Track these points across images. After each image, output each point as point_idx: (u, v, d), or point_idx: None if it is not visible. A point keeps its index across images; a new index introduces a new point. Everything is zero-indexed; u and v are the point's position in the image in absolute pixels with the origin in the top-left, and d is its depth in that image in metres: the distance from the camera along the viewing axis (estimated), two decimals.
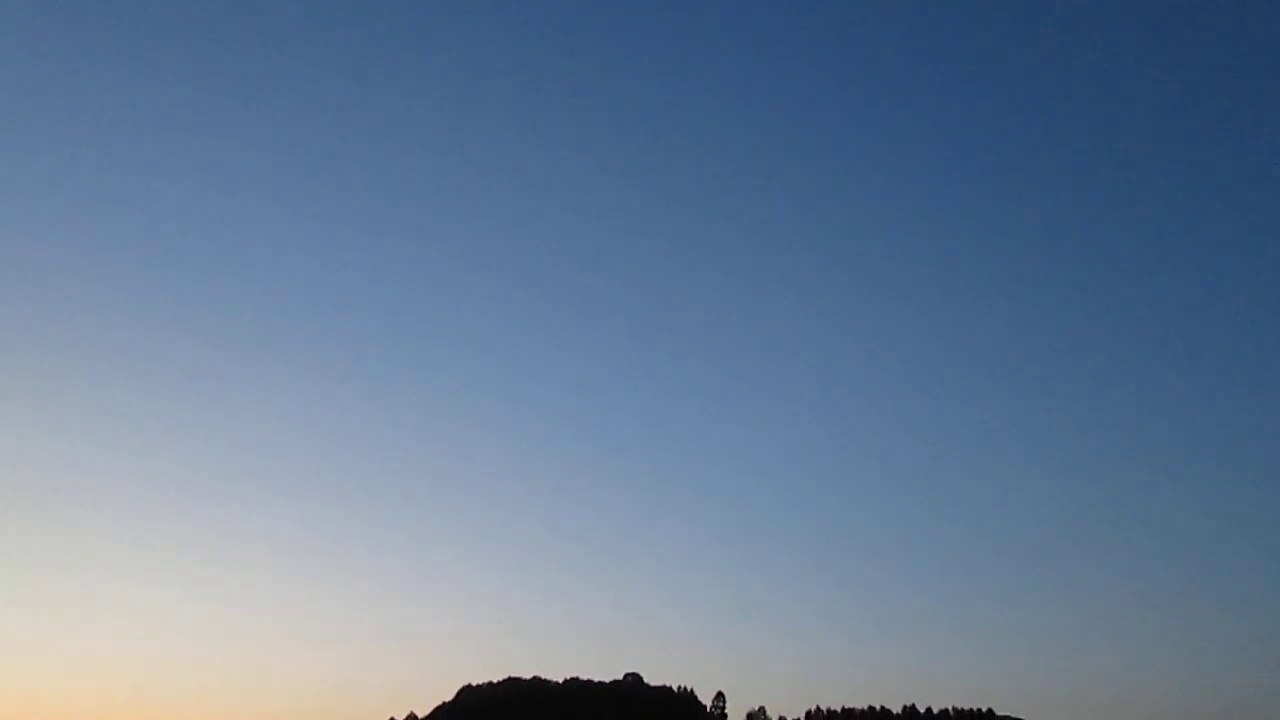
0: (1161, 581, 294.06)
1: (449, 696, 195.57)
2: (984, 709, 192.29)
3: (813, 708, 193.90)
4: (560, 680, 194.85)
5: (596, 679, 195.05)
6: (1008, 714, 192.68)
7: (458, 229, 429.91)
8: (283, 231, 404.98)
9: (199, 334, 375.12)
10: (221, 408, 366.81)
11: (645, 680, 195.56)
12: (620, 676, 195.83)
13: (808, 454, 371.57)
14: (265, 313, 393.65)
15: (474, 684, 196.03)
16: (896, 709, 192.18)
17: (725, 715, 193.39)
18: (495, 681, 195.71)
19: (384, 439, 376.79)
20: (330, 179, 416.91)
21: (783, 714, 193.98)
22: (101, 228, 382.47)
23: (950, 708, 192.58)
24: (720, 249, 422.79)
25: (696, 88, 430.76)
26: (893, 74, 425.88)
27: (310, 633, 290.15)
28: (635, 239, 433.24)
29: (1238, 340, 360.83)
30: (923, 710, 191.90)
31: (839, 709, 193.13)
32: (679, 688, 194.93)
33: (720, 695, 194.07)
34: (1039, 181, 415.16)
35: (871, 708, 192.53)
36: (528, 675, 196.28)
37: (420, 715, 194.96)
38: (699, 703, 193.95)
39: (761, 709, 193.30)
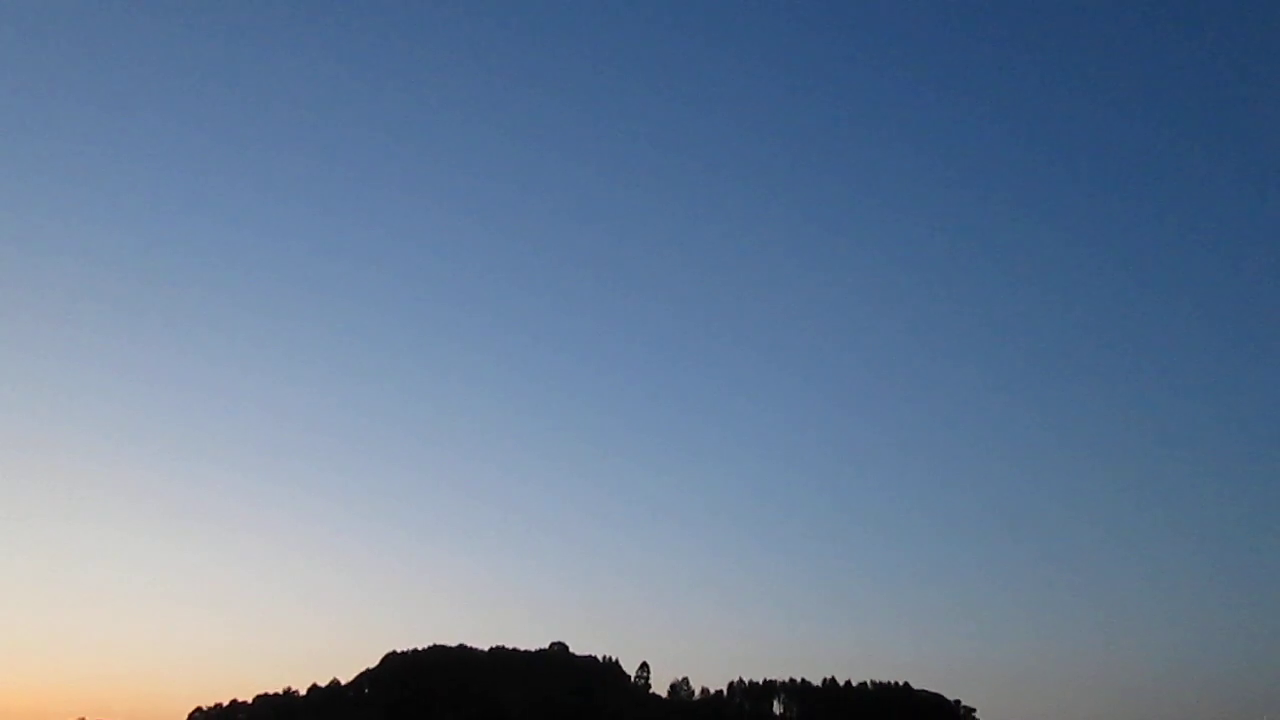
0: (1076, 560, 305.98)
1: (373, 663, 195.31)
2: (901, 683, 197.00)
3: (735, 679, 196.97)
4: (486, 648, 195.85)
5: (523, 648, 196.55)
6: (925, 688, 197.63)
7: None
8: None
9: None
10: (142, 370, 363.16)
11: (571, 650, 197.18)
12: (546, 645, 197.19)
13: (734, 431, 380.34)
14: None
15: (399, 651, 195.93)
16: (816, 681, 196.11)
17: (649, 685, 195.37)
18: (421, 649, 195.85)
19: (310, 405, 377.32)
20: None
21: (705, 685, 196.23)
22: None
23: (869, 681, 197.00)
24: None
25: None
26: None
27: (235, 598, 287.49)
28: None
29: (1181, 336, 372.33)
30: (842, 683, 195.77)
31: (760, 681, 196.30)
32: (604, 657, 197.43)
33: (645, 665, 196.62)
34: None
35: (792, 680, 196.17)
36: (453, 643, 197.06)
37: (344, 681, 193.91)
38: (624, 672, 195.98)
39: (685, 680, 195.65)
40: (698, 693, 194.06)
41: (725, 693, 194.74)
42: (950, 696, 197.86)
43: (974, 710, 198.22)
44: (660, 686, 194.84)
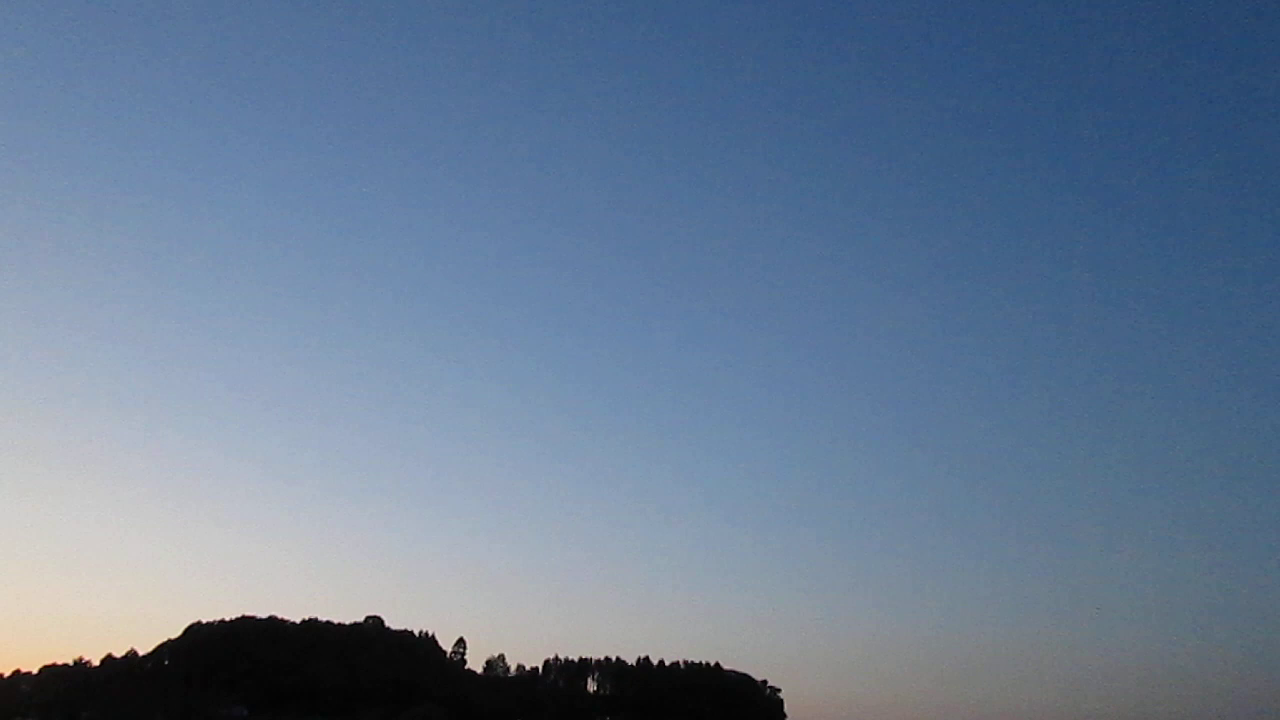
0: (893, 548, 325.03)
1: (175, 633, 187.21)
2: (712, 663, 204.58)
3: (551, 656, 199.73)
4: (299, 620, 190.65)
5: (336, 620, 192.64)
6: (733, 668, 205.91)
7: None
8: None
9: None
10: None
11: (387, 624, 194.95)
12: (361, 619, 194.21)
13: (546, 411, 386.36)
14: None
15: (204, 621, 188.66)
16: (631, 660, 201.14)
17: (465, 661, 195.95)
18: (228, 619, 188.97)
19: (107, 360, 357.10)
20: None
21: (521, 662, 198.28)
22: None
23: (681, 661, 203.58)
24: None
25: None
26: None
27: (17, 558, 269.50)
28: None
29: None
30: (655, 662, 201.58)
31: (576, 659, 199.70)
32: (420, 632, 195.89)
33: (461, 641, 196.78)
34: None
35: (607, 658, 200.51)
36: (263, 615, 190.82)
37: (142, 652, 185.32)
38: (440, 648, 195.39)
39: (501, 656, 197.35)
40: (513, 669, 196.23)
41: (541, 670, 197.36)
42: (758, 678, 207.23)
43: (779, 690, 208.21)
44: (476, 662, 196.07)
